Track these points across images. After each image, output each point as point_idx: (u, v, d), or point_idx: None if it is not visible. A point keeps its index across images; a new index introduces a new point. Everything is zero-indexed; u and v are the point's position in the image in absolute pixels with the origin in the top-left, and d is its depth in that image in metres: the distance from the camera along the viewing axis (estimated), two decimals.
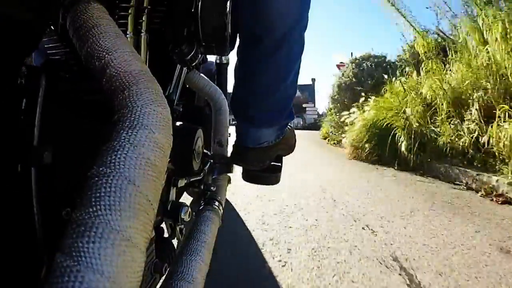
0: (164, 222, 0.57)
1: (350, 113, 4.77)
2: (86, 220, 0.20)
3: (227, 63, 1.14)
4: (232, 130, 0.84)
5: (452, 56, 3.41)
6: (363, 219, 1.57)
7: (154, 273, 0.44)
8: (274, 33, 0.56)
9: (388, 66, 6.27)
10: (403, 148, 3.14)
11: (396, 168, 3.13)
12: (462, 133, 2.70)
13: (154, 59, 0.48)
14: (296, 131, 0.94)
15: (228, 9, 0.51)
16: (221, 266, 1.01)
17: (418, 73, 3.88)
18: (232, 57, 0.79)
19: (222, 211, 0.69)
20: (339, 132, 5.81)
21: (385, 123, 3.43)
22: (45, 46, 0.41)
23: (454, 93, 3.00)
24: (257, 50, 0.58)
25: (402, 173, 2.95)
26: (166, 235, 0.56)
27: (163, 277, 0.44)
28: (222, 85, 1.10)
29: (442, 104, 3.07)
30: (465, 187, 2.30)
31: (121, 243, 0.19)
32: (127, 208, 0.21)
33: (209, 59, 1.02)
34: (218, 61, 1.13)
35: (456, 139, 2.72)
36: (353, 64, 7.16)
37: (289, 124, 0.80)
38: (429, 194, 2.11)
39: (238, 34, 0.61)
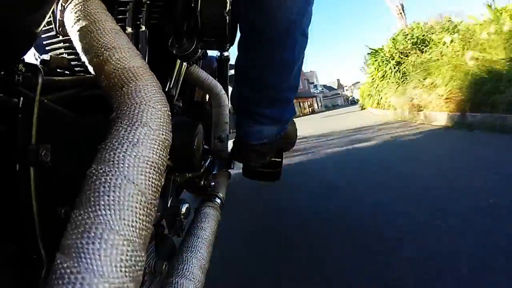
0: (164, 219, 0.56)
1: None
2: (86, 220, 0.19)
3: (228, 59, 1.13)
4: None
5: None
6: None
7: (154, 270, 0.44)
8: (276, 26, 0.54)
9: None
10: None
11: None
12: None
13: (153, 54, 0.48)
14: None
15: (228, 3, 0.50)
16: None
17: None
18: (233, 52, 0.78)
19: (222, 207, 0.69)
20: None
21: None
22: (43, 42, 0.41)
23: None
24: (259, 44, 0.57)
25: None
26: (166, 231, 0.56)
27: (163, 275, 0.44)
28: (223, 80, 1.09)
29: None
30: None
31: (120, 243, 0.19)
32: (127, 207, 0.21)
33: (209, 54, 1.01)
34: (219, 57, 1.11)
35: None
36: None
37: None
38: None
39: (238, 28, 0.59)
